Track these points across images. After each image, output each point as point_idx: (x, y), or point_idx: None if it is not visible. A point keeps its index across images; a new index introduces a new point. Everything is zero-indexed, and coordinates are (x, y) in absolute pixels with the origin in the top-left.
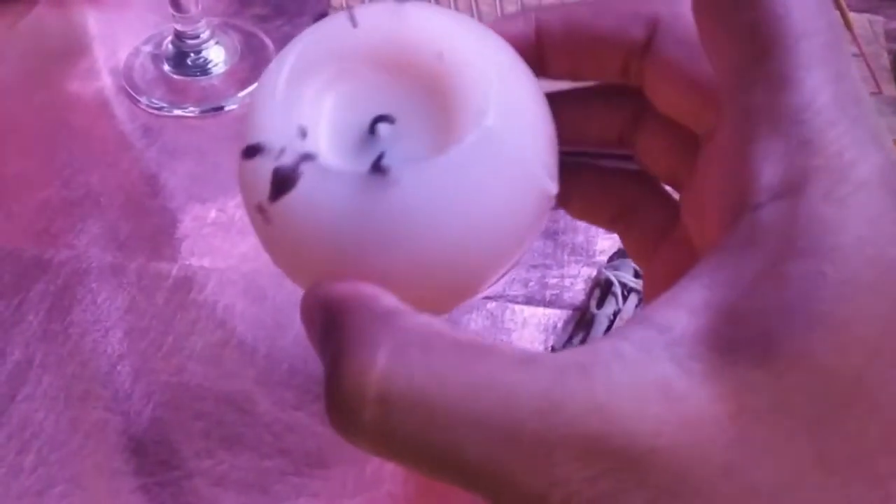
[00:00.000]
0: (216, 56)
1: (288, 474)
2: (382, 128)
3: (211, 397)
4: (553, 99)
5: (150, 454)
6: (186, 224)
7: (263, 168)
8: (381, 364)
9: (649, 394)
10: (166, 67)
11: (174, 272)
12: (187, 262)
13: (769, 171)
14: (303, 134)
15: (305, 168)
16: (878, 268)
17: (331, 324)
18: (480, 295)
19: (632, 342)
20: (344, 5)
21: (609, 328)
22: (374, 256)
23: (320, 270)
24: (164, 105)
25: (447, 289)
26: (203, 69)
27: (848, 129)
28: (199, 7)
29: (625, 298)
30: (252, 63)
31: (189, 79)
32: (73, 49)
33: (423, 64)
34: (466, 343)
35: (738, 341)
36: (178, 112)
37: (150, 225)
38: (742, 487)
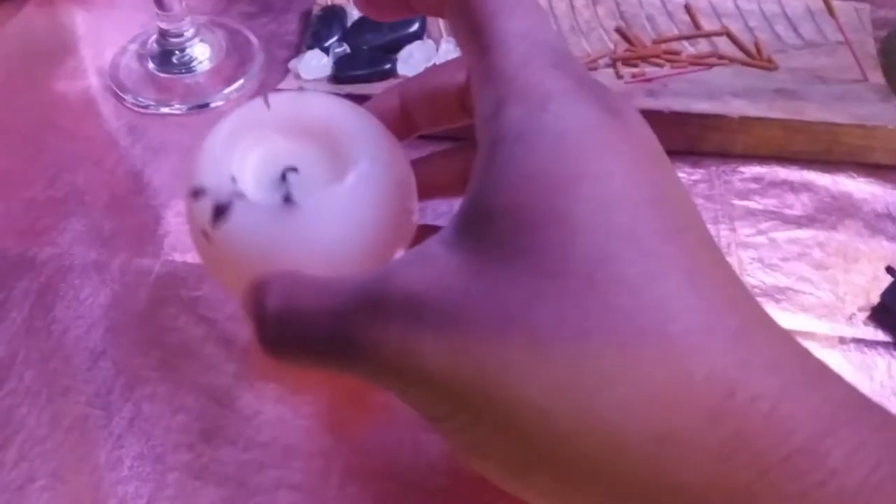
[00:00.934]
0: (201, 54)
1: (268, 467)
2: (290, 175)
3: (192, 391)
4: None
5: (131, 448)
6: (169, 220)
7: (206, 203)
8: (271, 295)
9: (414, 263)
10: (151, 66)
11: (157, 268)
12: (170, 258)
13: (485, 104)
14: (234, 180)
15: (237, 202)
16: (548, 141)
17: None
18: None
19: (424, 243)
20: (329, 1)
21: None
22: (289, 263)
23: (251, 277)
24: (150, 103)
25: None
26: (188, 67)
27: (535, 66)
28: (183, 5)
29: None
30: (238, 60)
31: (174, 77)
32: (60, 49)
33: (317, 131)
34: (321, 277)
35: (470, 217)
36: (164, 110)
37: (134, 222)
38: (471, 294)
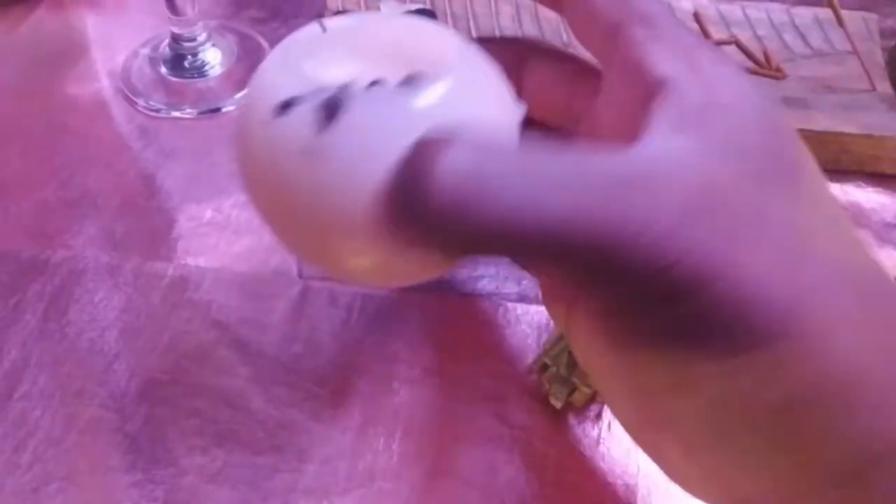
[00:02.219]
0: (213, 58)
1: (281, 471)
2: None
3: (205, 395)
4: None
5: (145, 451)
6: (182, 224)
7: (305, 110)
8: (448, 156)
9: (672, 154)
10: (163, 70)
11: (170, 272)
12: (183, 262)
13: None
14: (324, 89)
15: (349, 95)
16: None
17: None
18: None
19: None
20: (340, 7)
21: None
22: None
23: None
24: (162, 107)
25: None
26: (200, 71)
27: (705, 48)
28: (196, 10)
29: None
30: (248, 65)
31: (186, 81)
32: (71, 52)
33: (389, 54)
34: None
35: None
36: (175, 114)
37: (147, 225)
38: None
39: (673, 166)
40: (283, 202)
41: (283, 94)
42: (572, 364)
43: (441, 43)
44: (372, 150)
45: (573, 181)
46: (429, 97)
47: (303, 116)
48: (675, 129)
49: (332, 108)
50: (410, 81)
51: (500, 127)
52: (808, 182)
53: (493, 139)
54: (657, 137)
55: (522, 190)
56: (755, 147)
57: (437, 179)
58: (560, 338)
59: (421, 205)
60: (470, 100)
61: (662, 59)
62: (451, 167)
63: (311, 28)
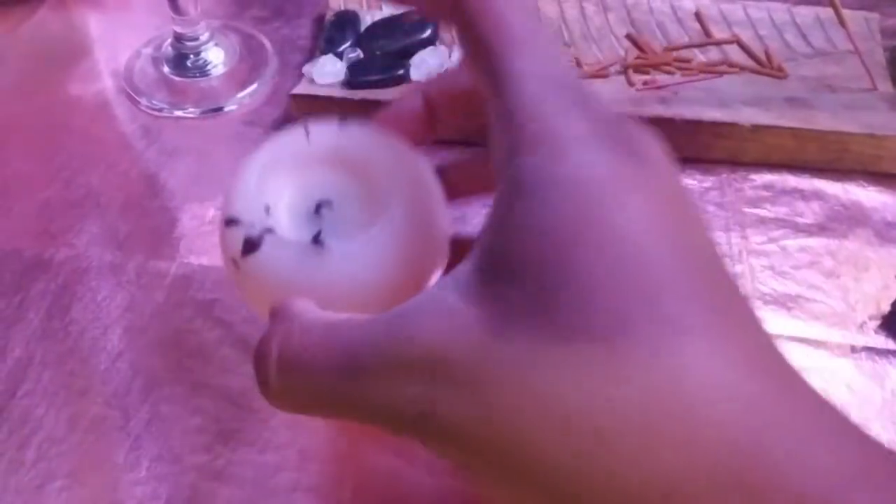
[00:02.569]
0: (215, 58)
1: (284, 469)
2: (324, 210)
3: (208, 393)
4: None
5: (148, 449)
6: (185, 223)
7: (238, 234)
8: (274, 347)
9: (431, 314)
10: (166, 69)
11: (173, 270)
12: (186, 261)
13: (499, 148)
14: (267, 211)
15: (267, 237)
16: (561, 191)
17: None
18: None
19: (437, 286)
20: (342, 6)
21: None
22: (314, 301)
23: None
24: (164, 106)
25: None
26: (202, 71)
27: (548, 110)
28: (199, 9)
29: None
30: (251, 64)
31: (189, 80)
32: (74, 52)
33: (355, 166)
34: (333, 321)
35: (486, 267)
36: (177, 113)
37: (150, 224)
38: (492, 355)
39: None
40: (236, 287)
41: (232, 211)
42: None
43: (393, 186)
44: (270, 288)
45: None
46: (329, 258)
47: (235, 237)
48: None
49: (249, 245)
50: (321, 240)
51: (398, 284)
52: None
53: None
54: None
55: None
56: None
57: (266, 364)
58: None
59: (262, 377)
60: (378, 260)
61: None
62: (280, 354)
63: (296, 134)
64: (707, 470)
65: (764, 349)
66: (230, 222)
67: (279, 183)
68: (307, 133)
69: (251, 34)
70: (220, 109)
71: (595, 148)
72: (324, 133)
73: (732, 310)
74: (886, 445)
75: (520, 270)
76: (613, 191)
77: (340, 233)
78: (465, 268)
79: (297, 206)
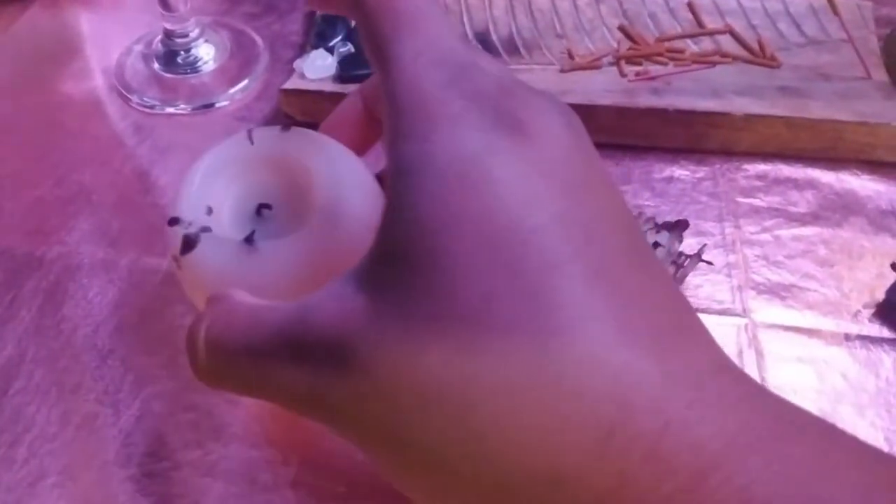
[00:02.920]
0: (206, 54)
1: (276, 464)
2: (264, 211)
3: (200, 389)
4: None
5: (140, 446)
6: None
7: (178, 233)
8: (202, 328)
9: (329, 300)
10: (157, 66)
11: (164, 267)
12: None
13: (385, 133)
14: (209, 212)
15: (203, 236)
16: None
17: None
18: None
19: (342, 276)
20: None
21: None
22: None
23: None
24: (156, 103)
25: None
26: (193, 67)
27: (424, 92)
28: (188, 6)
29: None
30: (242, 60)
31: (180, 77)
32: (65, 50)
33: (294, 170)
34: (257, 306)
35: (376, 254)
36: (169, 110)
37: (142, 221)
38: (371, 337)
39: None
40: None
41: (175, 211)
42: None
43: (328, 186)
44: (207, 285)
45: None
46: (259, 257)
47: (175, 235)
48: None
49: (187, 243)
50: (253, 239)
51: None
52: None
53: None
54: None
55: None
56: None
57: (195, 344)
58: None
59: (191, 355)
60: (304, 259)
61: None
62: (200, 337)
63: (240, 139)
64: (583, 448)
65: (655, 316)
66: (172, 221)
67: (222, 185)
68: (251, 138)
69: (242, 30)
70: (211, 106)
71: (469, 125)
72: (266, 138)
73: (623, 281)
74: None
75: (401, 256)
76: (484, 168)
77: (273, 233)
78: (365, 258)
79: (239, 208)
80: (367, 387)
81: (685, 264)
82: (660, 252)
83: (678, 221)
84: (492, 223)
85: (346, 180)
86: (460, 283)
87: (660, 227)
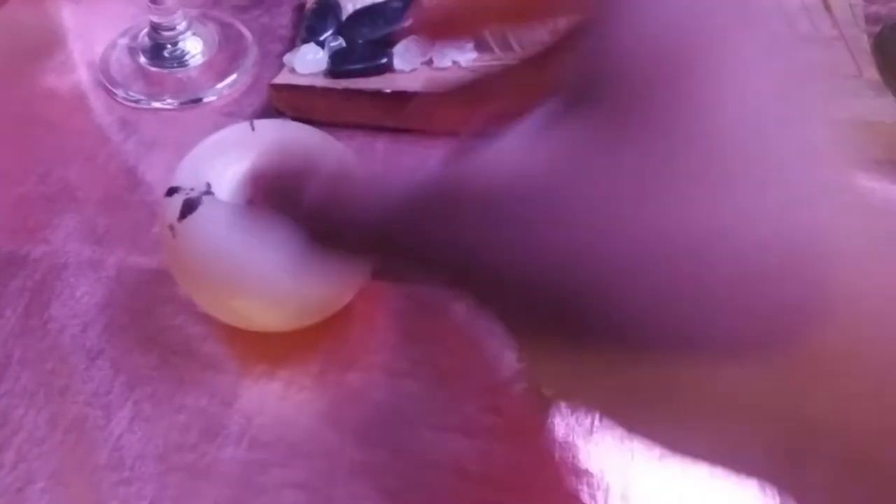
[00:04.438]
0: (193, 48)
1: (272, 466)
2: None
3: (192, 390)
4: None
5: (132, 448)
6: None
7: (177, 199)
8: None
9: (501, 153)
10: (143, 60)
11: (154, 266)
12: None
13: None
14: (209, 187)
15: (205, 198)
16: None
17: None
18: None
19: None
20: None
21: None
22: (248, 262)
23: (212, 278)
24: (142, 98)
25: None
26: (180, 61)
27: None
28: None
29: None
30: (230, 54)
31: (166, 71)
32: (48, 43)
33: (291, 153)
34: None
35: (582, 83)
36: (155, 104)
37: (129, 219)
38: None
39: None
40: (168, 262)
41: (174, 183)
42: None
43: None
44: (205, 250)
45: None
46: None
47: (174, 203)
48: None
49: (188, 206)
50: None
51: None
52: None
53: None
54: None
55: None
56: None
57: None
58: None
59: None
60: None
61: None
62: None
63: (242, 126)
64: None
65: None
66: (171, 191)
67: (222, 165)
68: (252, 126)
69: (230, 23)
70: (199, 101)
71: None
72: (267, 126)
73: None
74: None
75: (629, 72)
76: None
77: None
78: (531, 119)
79: (237, 186)
80: (539, 239)
81: None
82: None
83: None
84: (746, 64)
85: (345, 161)
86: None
87: None
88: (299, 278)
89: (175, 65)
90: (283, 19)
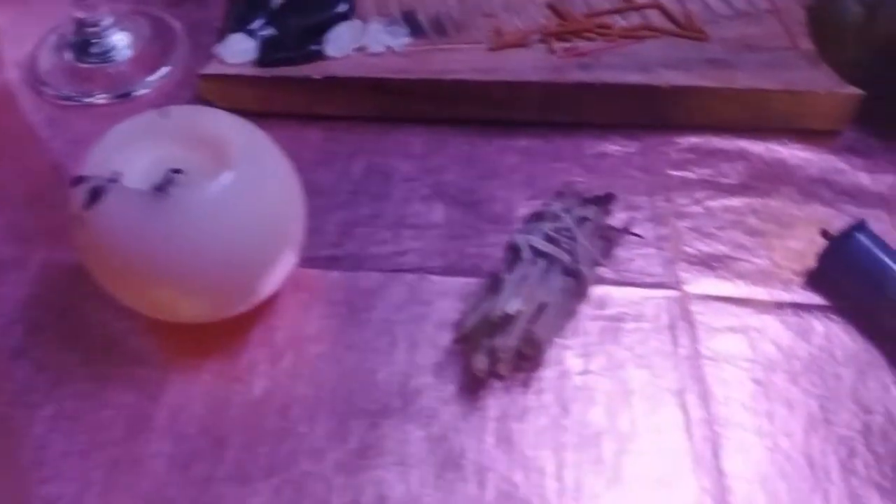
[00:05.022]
0: (121, 42)
1: (197, 459)
2: (175, 175)
3: (118, 386)
4: None
5: (55, 447)
6: None
7: (83, 188)
8: None
9: None
10: (71, 57)
11: (77, 263)
12: None
13: None
14: (117, 175)
15: (112, 187)
16: None
17: None
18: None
19: None
20: None
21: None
22: (156, 251)
23: (125, 268)
24: (72, 94)
25: (220, 286)
26: (108, 56)
27: None
28: None
29: (534, 263)
30: (161, 47)
31: (95, 66)
32: None
33: (207, 142)
34: None
35: None
36: (86, 101)
37: (54, 217)
38: None
39: None
40: (80, 253)
41: (81, 172)
42: (493, 332)
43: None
44: (112, 238)
45: None
46: (170, 205)
47: (81, 192)
48: None
49: (95, 194)
50: (164, 186)
51: None
52: None
53: None
54: None
55: None
56: None
57: None
58: (476, 307)
59: None
60: (218, 210)
61: None
62: None
63: (154, 115)
64: None
65: None
66: (77, 181)
67: (132, 153)
68: (165, 114)
69: (160, 17)
70: (129, 95)
71: None
72: (181, 114)
73: None
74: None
75: None
76: None
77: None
78: None
79: (151, 173)
80: None
81: (613, 238)
82: (587, 227)
83: (605, 195)
84: None
85: (261, 145)
86: None
87: (587, 202)
88: (219, 266)
89: (103, 60)
90: (217, 11)
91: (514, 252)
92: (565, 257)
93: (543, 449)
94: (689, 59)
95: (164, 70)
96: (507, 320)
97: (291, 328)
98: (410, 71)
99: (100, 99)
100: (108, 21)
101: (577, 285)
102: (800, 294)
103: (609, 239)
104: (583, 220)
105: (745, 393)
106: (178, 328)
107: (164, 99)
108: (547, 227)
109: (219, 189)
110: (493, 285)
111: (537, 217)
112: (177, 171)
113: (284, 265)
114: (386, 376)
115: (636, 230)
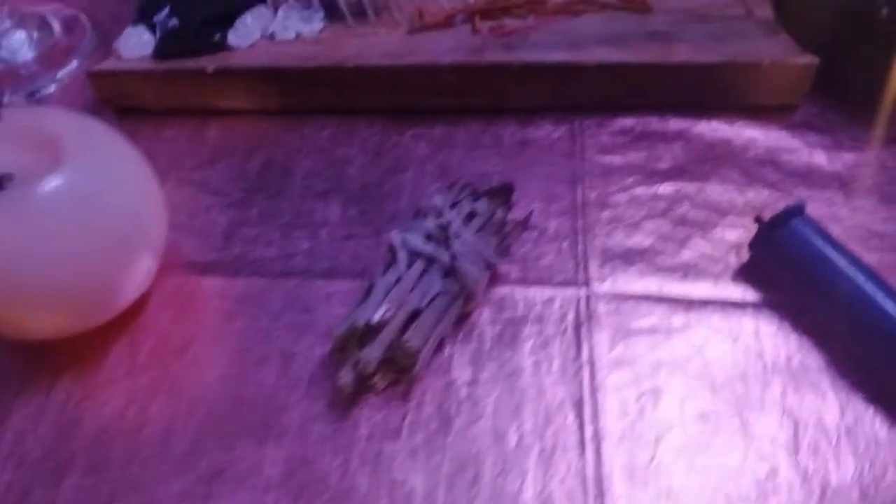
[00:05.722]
0: (20, 41)
1: (36, 487)
2: (6, 181)
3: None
4: None
5: None
6: None
7: None
8: None
9: None
10: None
11: None
12: None
13: None
14: None
15: None
16: None
17: None
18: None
19: None
20: None
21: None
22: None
23: None
24: None
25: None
26: (9, 55)
27: None
28: None
29: (410, 265)
30: (69, 44)
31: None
32: None
33: (45, 142)
34: None
35: None
36: None
37: None
38: None
39: None
40: None
41: None
42: (362, 343)
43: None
44: None
45: None
46: (9, 205)
47: None
48: None
49: None
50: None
51: None
52: None
53: None
54: None
55: None
56: None
57: None
58: (349, 315)
59: None
60: (54, 206)
61: None
62: None
63: None
64: None
65: None
66: None
67: None
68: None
69: (72, 13)
70: (36, 93)
71: None
72: (15, 116)
73: None
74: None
75: None
76: None
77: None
78: None
79: None
80: None
81: (513, 233)
82: (476, 221)
83: (502, 187)
84: None
85: (106, 144)
86: None
87: (479, 195)
88: (62, 272)
89: (6, 59)
90: (129, 7)
91: (391, 253)
92: (445, 257)
93: (414, 471)
94: (626, 34)
95: (70, 66)
96: (372, 329)
97: (156, 341)
98: (315, 59)
99: (6, 99)
100: (7, 23)
101: (459, 287)
102: (729, 289)
103: (507, 235)
104: (471, 215)
105: (653, 405)
106: (31, 345)
107: (73, 95)
108: (428, 224)
109: (49, 189)
110: (368, 290)
111: (420, 213)
112: (5, 175)
113: (141, 270)
114: (252, 392)
115: (551, 223)
